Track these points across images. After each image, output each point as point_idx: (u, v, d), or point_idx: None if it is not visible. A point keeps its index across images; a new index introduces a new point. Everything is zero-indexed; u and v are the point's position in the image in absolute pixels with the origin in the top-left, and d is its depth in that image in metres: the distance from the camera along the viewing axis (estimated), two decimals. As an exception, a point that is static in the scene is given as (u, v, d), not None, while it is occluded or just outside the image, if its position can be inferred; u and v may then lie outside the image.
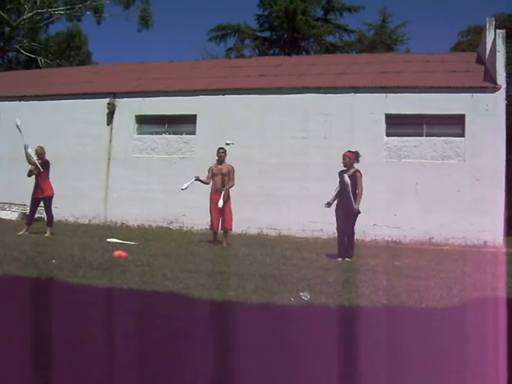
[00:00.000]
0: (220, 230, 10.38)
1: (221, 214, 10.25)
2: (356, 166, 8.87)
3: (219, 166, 10.40)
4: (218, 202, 10.07)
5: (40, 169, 10.32)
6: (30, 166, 10.51)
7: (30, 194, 10.71)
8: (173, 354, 3.19)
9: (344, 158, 8.85)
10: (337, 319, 4.22)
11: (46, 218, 10.83)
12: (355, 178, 8.63)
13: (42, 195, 10.55)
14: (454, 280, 6.41)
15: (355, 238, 8.89)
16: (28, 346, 3.10)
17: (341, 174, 8.78)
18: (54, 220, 10.98)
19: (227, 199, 10.25)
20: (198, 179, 10.33)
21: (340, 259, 8.38)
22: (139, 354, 3.12)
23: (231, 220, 10.38)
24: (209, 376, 2.88)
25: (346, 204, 8.51)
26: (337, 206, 8.77)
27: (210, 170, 10.53)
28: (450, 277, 6.74)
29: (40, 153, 10.56)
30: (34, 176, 10.57)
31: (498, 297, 5.16)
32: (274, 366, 3.05)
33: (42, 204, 10.89)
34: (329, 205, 8.77)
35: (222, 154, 10.47)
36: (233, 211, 10.37)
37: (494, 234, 13.12)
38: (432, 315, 4.45)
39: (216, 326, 3.76)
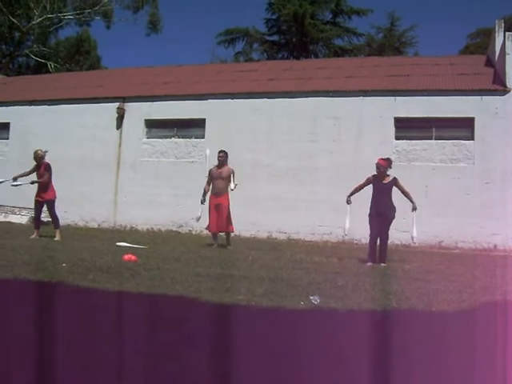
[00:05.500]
0: (221, 233, 10.41)
1: (220, 217, 10.26)
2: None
3: (219, 170, 10.39)
4: (216, 205, 10.12)
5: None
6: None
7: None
8: (182, 358, 3.20)
9: (378, 168, 8.67)
10: (347, 323, 4.22)
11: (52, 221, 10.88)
12: (397, 184, 8.70)
13: (43, 199, 10.64)
14: (464, 283, 6.38)
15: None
16: (38, 349, 3.12)
17: (376, 179, 8.68)
18: (63, 224, 11.06)
19: (227, 202, 10.29)
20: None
21: (370, 263, 8.34)
22: (149, 358, 3.13)
23: (231, 222, 10.38)
24: (218, 380, 2.89)
25: (386, 210, 8.53)
26: (373, 212, 8.64)
27: (209, 173, 10.51)
28: (459, 280, 6.71)
29: (39, 156, 10.64)
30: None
31: (507, 300, 5.13)
32: (283, 370, 3.05)
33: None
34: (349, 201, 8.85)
35: (221, 158, 10.44)
36: (242, 215, 10.39)
37: (505, 237, 13.02)
38: (442, 319, 4.44)
39: (225, 329, 3.77)
